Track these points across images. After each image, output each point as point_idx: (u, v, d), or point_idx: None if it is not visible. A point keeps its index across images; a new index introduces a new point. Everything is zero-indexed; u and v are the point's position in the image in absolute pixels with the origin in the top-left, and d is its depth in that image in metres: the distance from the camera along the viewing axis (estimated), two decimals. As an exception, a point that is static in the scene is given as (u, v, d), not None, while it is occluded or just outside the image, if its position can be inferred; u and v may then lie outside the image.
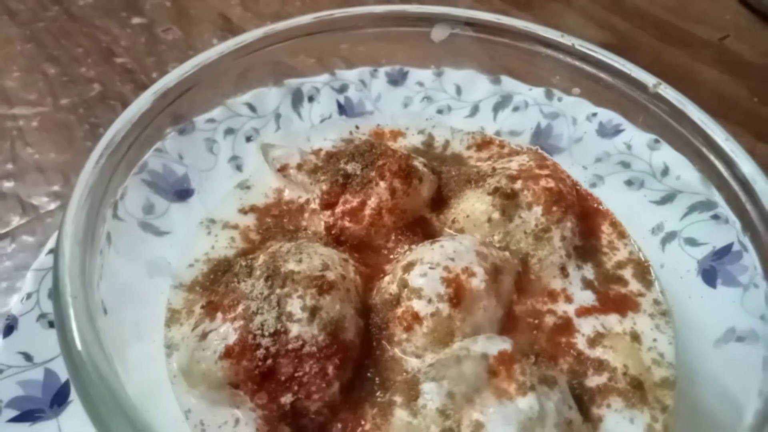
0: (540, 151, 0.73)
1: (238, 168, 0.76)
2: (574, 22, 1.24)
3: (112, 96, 1.02)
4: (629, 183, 0.75)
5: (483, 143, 0.78)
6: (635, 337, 0.59)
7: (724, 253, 0.61)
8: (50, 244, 0.67)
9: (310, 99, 0.84)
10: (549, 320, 0.60)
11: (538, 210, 0.62)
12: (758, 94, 1.08)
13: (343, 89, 0.87)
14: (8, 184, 0.87)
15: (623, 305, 0.62)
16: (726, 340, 0.55)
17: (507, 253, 0.62)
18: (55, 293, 0.44)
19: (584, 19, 1.25)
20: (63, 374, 0.57)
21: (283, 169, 0.69)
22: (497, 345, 0.50)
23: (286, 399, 0.50)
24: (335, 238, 0.61)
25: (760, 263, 0.53)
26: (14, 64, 1.06)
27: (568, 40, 0.69)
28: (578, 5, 1.28)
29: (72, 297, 0.42)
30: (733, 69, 1.12)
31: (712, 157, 0.59)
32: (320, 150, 0.71)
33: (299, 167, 0.68)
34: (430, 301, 0.54)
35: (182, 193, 0.70)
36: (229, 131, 0.77)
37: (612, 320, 0.60)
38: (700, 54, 1.16)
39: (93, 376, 0.39)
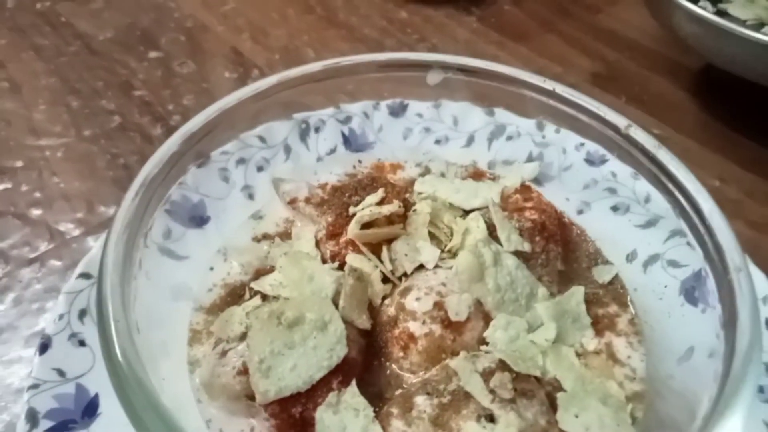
0: (527, 183, 0.80)
1: (251, 197, 0.83)
2: (568, 52, 1.31)
3: (131, 127, 1.09)
4: (615, 208, 0.81)
5: (475, 175, 0.84)
6: (611, 354, 0.65)
7: (699, 276, 0.67)
8: (79, 268, 0.73)
9: (317, 130, 0.91)
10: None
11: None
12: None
13: (347, 121, 0.93)
14: (37, 212, 0.94)
15: (601, 325, 0.68)
16: (689, 355, 0.61)
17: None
18: (99, 315, 0.50)
19: (576, 49, 1.32)
20: (92, 389, 0.63)
21: (292, 202, 0.76)
22: (482, 362, 0.56)
23: (296, 410, 0.56)
24: (340, 265, 0.67)
25: (717, 288, 0.59)
26: (40, 98, 1.13)
27: (549, 84, 0.76)
28: (571, 37, 1.35)
29: (114, 319, 0.49)
30: (718, 94, 1.18)
31: (677, 193, 0.66)
32: (326, 184, 0.77)
33: (307, 200, 0.75)
34: (424, 322, 0.60)
35: (199, 220, 0.77)
36: (241, 161, 0.84)
37: (589, 339, 0.66)
38: (686, 82, 1.22)
39: (135, 388, 0.46)
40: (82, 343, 0.66)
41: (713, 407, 0.47)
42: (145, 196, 0.61)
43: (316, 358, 0.56)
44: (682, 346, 0.62)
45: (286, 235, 0.74)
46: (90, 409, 0.62)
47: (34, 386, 0.62)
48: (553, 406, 0.57)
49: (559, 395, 0.58)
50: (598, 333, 0.66)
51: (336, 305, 0.60)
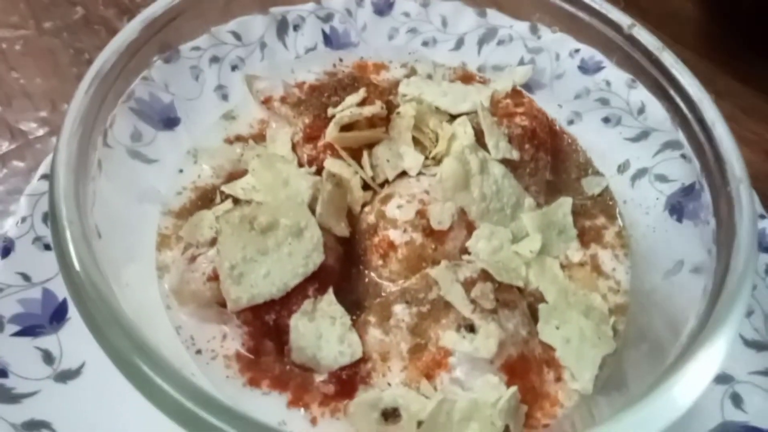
0: (518, 88, 0.75)
1: (224, 97, 0.77)
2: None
3: (95, 20, 1.01)
4: (606, 120, 0.77)
5: (464, 78, 0.79)
6: (595, 267, 0.63)
7: (690, 190, 0.64)
8: (42, 169, 0.69)
9: (295, 28, 0.84)
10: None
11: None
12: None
13: (328, 18, 0.87)
14: (-4, 110, 0.88)
15: (587, 237, 0.66)
16: (676, 270, 0.59)
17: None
18: (52, 218, 0.46)
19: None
20: (60, 294, 0.61)
21: (267, 102, 0.71)
22: (464, 272, 0.54)
23: (270, 317, 0.54)
24: (318, 170, 0.64)
25: (712, 202, 0.56)
26: (-7, -16, 1.04)
27: (548, -22, 0.70)
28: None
29: (68, 222, 0.45)
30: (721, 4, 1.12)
31: (678, 100, 0.62)
32: (304, 83, 0.72)
33: (283, 100, 0.70)
34: (405, 230, 0.58)
35: (169, 121, 0.72)
36: (214, 60, 0.78)
37: (575, 251, 0.64)
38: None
39: (92, 294, 0.43)
40: (47, 247, 0.63)
41: (701, 324, 0.46)
42: (100, 90, 0.55)
43: (291, 265, 0.54)
44: (669, 260, 0.61)
45: (260, 137, 0.70)
46: (58, 314, 0.60)
47: (-3, 290, 0.59)
48: (534, 318, 0.56)
49: (541, 306, 0.56)
50: (584, 245, 0.65)
51: (312, 211, 0.57)
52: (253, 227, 0.54)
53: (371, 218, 0.60)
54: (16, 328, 0.58)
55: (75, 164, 0.49)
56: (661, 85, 0.64)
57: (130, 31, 0.59)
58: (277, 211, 0.56)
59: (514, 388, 0.51)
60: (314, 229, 0.55)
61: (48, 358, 0.57)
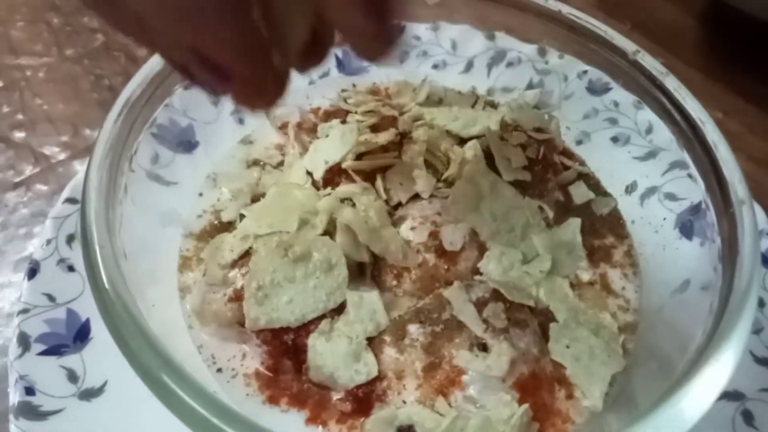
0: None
1: (240, 121, 0.79)
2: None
3: (116, 47, 1.04)
4: (615, 139, 0.78)
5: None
6: (605, 285, 0.64)
7: (697, 209, 0.66)
8: (66, 193, 0.71)
9: (309, 53, 0.87)
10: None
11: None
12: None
13: (340, 42, 0.89)
14: (20, 134, 0.91)
15: (597, 256, 0.67)
16: (684, 287, 0.60)
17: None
18: (84, 241, 0.49)
19: (581, -28, 1.25)
20: (83, 314, 0.63)
21: (283, 127, 0.73)
22: (476, 292, 0.56)
23: (288, 336, 0.56)
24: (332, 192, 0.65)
25: (717, 221, 0.58)
26: (18, 14, 1.07)
27: (554, 6, 0.72)
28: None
29: (99, 246, 0.47)
30: (726, 24, 1.14)
31: (682, 123, 0.64)
32: (319, 109, 0.75)
33: (299, 126, 0.72)
34: (418, 251, 0.59)
35: (188, 145, 0.74)
36: (231, 84, 0.80)
37: (584, 270, 0.65)
38: (694, 10, 1.18)
39: (122, 314, 0.45)
40: (71, 269, 0.65)
41: (708, 340, 0.47)
42: (129, 118, 0.58)
43: (313, 299, 0.56)
44: (677, 278, 0.62)
45: (277, 162, 0.72)
46: (81, 333, 0.62)
47: (24, 311, 0.62)
48: (545, 336, 0.57)
49: (552, 326, 0.58)
50: (594, 264, 0.66)
51: (326, 233, 0.59)
52: (287, 254, 0.56)
53: (385, 240, 0.62)
54: (42, 347, 0.60)
55: (105, 190, 0.52)
56: (666, 108, 0.66)
57: (155, 62, 0.61)
58: (312, 244, 0.58)
59: (525, 406, 0.52)
60: (342, 268, 0.57)
61: (72, 376, 0.59)
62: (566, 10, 0.72)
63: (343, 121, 0.70)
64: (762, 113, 1.03)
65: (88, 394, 0.58)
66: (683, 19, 1.17)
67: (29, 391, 0.57)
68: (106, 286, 0.46)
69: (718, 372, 0.45)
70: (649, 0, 1.20)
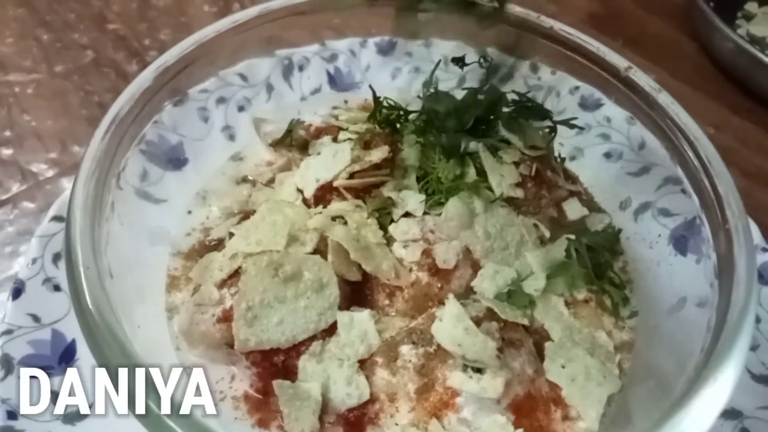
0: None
1: (231, 138, 0.79)
2: (565, -8, 1.25)
3: (105, 63, 1.03)
4: (608, 155, 0.78)
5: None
6: (600, 303, 0.63)
7: (691, 225, 0.65)
8: (52, 211, 0.70)
9: (301, 68, 0.86)
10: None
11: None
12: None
13: (332, 59, 0.89)
14: (7, 151, 0.90)
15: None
16: (681, 305, 0.60)
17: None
18: (68, 260, 0.48)
19: (574, -12, 1.26)
20: (69, 334, 0.61)
21: (274, 144, 0.72)
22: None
23: (278, 358, 0.55)
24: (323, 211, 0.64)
25: (712, 236, 0.57)
26: (7, 29, 1.07)
27: (546, 23, 0.72)
28: (569, -25, 1.29)
29: (84, 266, 0.46)
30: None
31: (675, 139, 0.63)
32: (310, 125, 0.74)
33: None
34: (411, 270, 0.58)
35: (177, 162, 0.73)
36: (221, 100, 0.80)
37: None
38: (683, 24, 1.18)
39: (106, 335, 0.44)
40: (56, 288, 0.64)
41: (706, 358, 0.46)
42: (116, 135, 0.57)
43: (304, 319, 0.55)
44: (673, 295, 0.61)
45: (267, 179, 0.71)
46: (67, 354, 0.61)
47: (8, 332, 0.60)
48: (541, 356, 0.56)
49: (547, 345, 0.57)
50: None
51: (316, 252, 0.58)
52: (277, 273, 0.55)
53: (377, 258, 0.61)
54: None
55: (91, 207, 0.51)
56: (659, 123, 0.66)
57: (143, 79, 0.61)
58: (302, 263, 0.57)
59: (521, 430, 0.51)
60: (333, 287, 0.56)
61: (56, 399, 0.57)
62: (558, 26, 0.72)
63: (335, 139, 0.69)
64: (753, 127, 1.03)
65: (72, 418, 0.56)
66: (674, 35, 1.18)
67: (11, 415, 0.55)
68: (90, 307, 0.45)
69: (718, 391, 0.45)
70: (641, 16, 1.21)
